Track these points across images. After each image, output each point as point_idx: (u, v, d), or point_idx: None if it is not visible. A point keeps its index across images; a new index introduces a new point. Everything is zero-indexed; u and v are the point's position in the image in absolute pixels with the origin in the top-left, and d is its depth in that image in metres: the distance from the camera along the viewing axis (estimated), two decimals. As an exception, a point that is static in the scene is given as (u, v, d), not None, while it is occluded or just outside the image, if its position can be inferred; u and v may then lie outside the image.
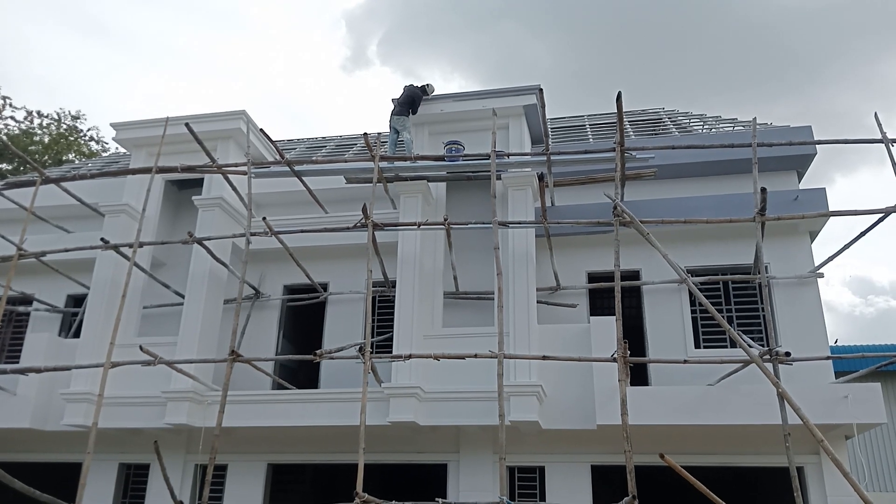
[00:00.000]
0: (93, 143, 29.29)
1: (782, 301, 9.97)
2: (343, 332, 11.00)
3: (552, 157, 9.89)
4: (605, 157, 9.54)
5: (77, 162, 24.55)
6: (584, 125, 14.70)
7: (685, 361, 8.16)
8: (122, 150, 16.80)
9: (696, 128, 13.31)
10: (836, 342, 15.35)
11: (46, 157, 26.96)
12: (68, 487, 8.11)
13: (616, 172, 8.75)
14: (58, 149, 27.79)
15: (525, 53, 68.23)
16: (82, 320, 10.93)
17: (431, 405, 9.11)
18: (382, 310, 11.03)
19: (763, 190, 7.98)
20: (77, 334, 11.31)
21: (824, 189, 10.14)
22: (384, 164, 9.91)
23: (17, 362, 10.92)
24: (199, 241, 9.89)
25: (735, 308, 10.29)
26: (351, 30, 71.72)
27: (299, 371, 12.10)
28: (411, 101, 10.79)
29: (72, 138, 28.73)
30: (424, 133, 11.16)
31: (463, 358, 7.81)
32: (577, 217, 9.88)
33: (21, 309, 12.41)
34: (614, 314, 7.43)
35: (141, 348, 8.77)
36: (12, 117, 27.24)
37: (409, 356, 8.25)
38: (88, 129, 29.38)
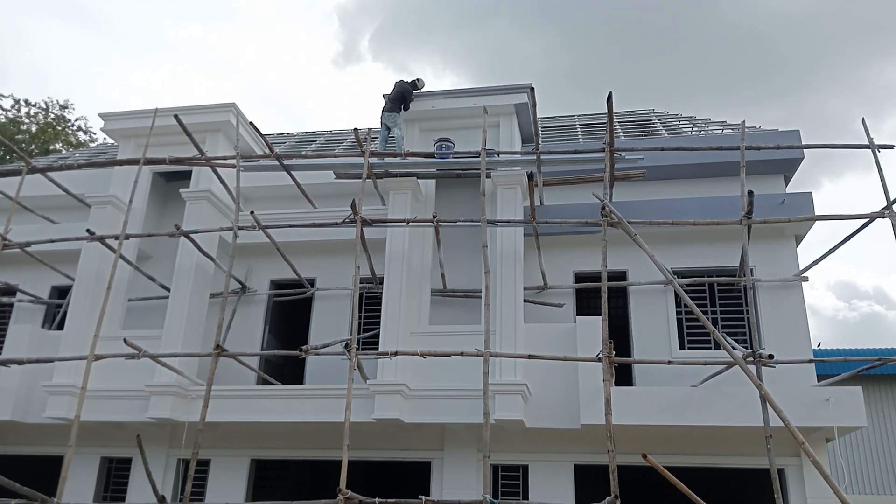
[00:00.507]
0: (80, 134, 29.00)
1: (767, 304, 10.06)
2: (329, 328, 10.97)
3: (542, 157, 9.92)
4: (595, 157, 9.56)
5: (64, 152, 24.31)
6: (575, 125, 14.74)
7: (670, 362, 8.19)
8: (109, 140, 16.67)
9: (685, 130, 13.37)
10: (819, 346, 15.49)
11: (33, 147, 26.65)
12: (49, 481, 8.04)
13: (605, 173, 8.78)
14: (45, 138, 27.46)
15: (517, 52, 68.35)
16: (66, 312, 10.85)
17: (417, 402, 9.11)
18: (369, 306, 11.01)
19: (750, 193, 8.02)
20: (61, 326, 11.21)
21: (811, 193, 10.23)
22: (374, 160, 9.88)
23: (0, 353, 10.83)
24: (186, 234, 9.83)
25: (720, 310, 10.37)
26: (343, 24, 71.56)
27: (285, 366, 12.05)
28: (402, 98, 10.78)
29: (59, 128, 28.40)
30: (415, 130, 11.16)
31: (449, 356, 7.80)
32: (565, 217, 9.91)
33: (5, 300, 12.31)
34: (600, 314, 7.46)
35: (125, 341, 8.68)
36: (-1, 105, 26.99)
37: (396, 353, 8.23)
38: (76, 119, 29.11)
